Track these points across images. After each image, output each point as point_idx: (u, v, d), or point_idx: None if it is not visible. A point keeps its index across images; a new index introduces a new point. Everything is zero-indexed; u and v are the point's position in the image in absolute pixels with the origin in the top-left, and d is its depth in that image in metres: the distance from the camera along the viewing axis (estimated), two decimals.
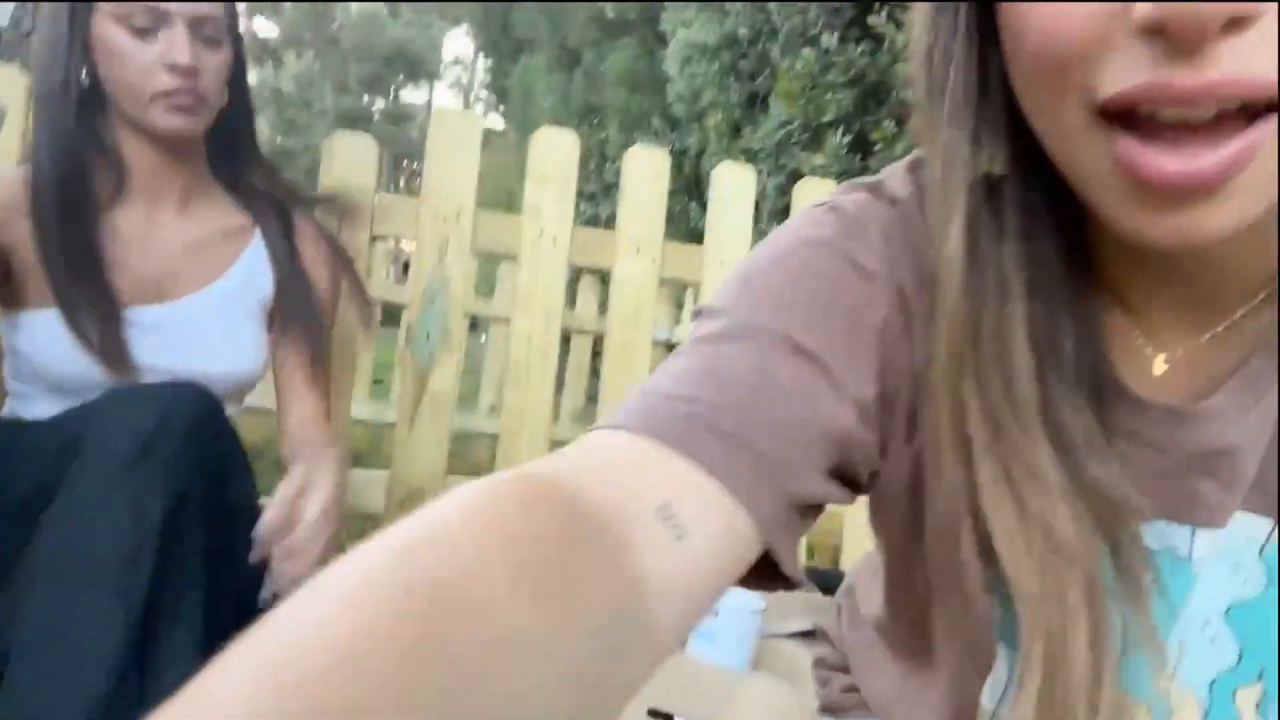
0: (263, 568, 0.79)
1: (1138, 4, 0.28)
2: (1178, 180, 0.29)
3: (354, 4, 22.72)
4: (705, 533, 0.34)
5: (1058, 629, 0.34)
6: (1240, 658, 0.38)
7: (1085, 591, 0.34)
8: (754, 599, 1.15)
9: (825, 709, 1.05)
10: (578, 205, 6.12)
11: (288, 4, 23.63)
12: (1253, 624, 0.38)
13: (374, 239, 1.43)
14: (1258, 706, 0.38)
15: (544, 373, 1.44)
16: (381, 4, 22.72)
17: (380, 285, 3.04)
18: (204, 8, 0.92)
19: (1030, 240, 0.37)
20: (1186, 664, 0.39)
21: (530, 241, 1.43)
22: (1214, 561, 0.39)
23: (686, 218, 3.90)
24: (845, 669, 0.67)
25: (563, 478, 0.32)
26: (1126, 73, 0.29)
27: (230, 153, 1.05)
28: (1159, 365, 0.39)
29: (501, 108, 9.80)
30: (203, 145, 1.02)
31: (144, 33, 0.89)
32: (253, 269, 1.02)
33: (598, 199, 5.30)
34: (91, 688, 0.58)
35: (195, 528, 0.67)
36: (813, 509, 0.39)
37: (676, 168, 4.50)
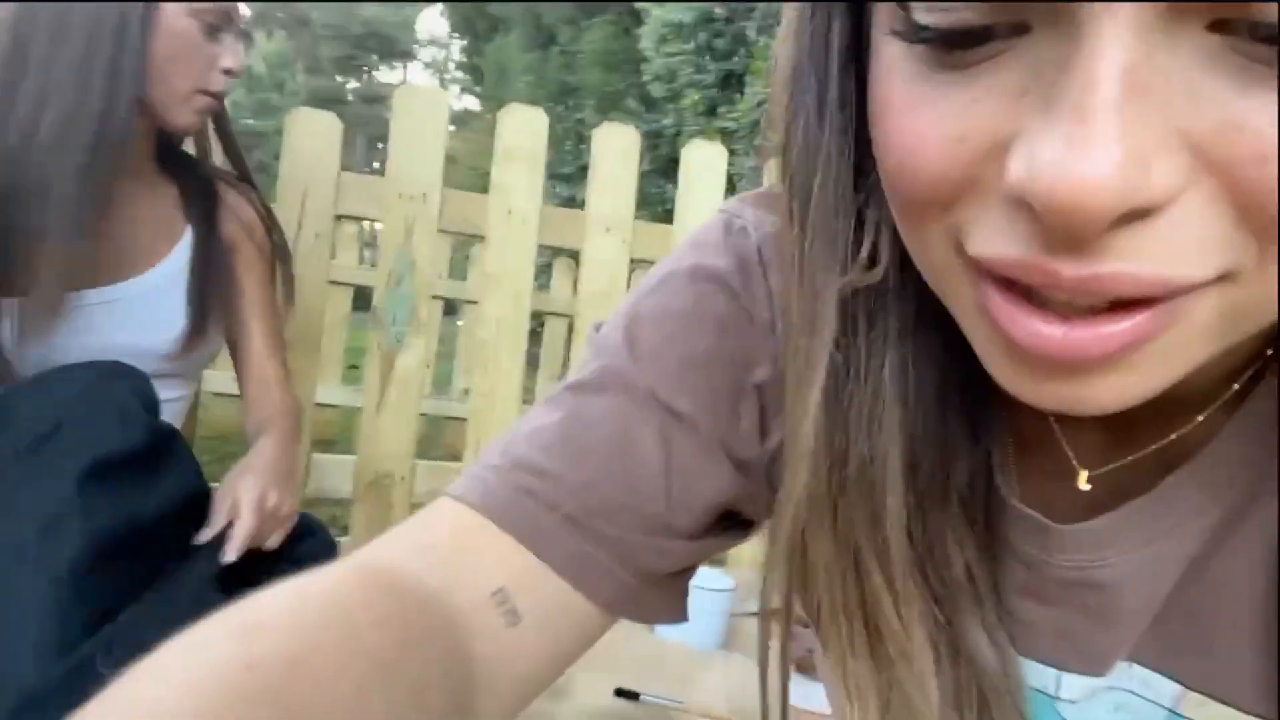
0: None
1: (1010, 163, 0.21)
2: (1058, 353, 0.23)
3: None
4: (539, 617, 0.34)
5: None
6: None
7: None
8: (722, 578, 1.15)
9: (795, 665, 1.06)
10: (554, 187, 6.06)
11: None
12: None
13: (339, 219, 1.40)
14: None
15: (513, 355, 1.42)
16: None
17: (348, 270, 3.00)
18: (253, 9, 0.93)
19: (911, 356, 0.31)
20: None
21: (498, 221, 1.41)
22: (1107, 713, 0.33)
23: (663, 199, 3.88)
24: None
25: (398, 563, 0.32)
26: (998, 238, 0.23)
27: (178, 140, 1.05)
28: (1081, 481, 0.32)
29: (478, 88, 9.68)
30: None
31: (213, 30, 0.90)
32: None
33: (574, 180, 5.27)
34: (23, 664, 0.56)
35: (122, 498, 0.65)
36: (687, 569, 0.39)
37: (653, 148, 4.48)
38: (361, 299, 2.87)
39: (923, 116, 0.23)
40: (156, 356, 0.92)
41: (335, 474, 1.42)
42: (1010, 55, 0.21)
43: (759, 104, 3.09)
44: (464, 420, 1.47)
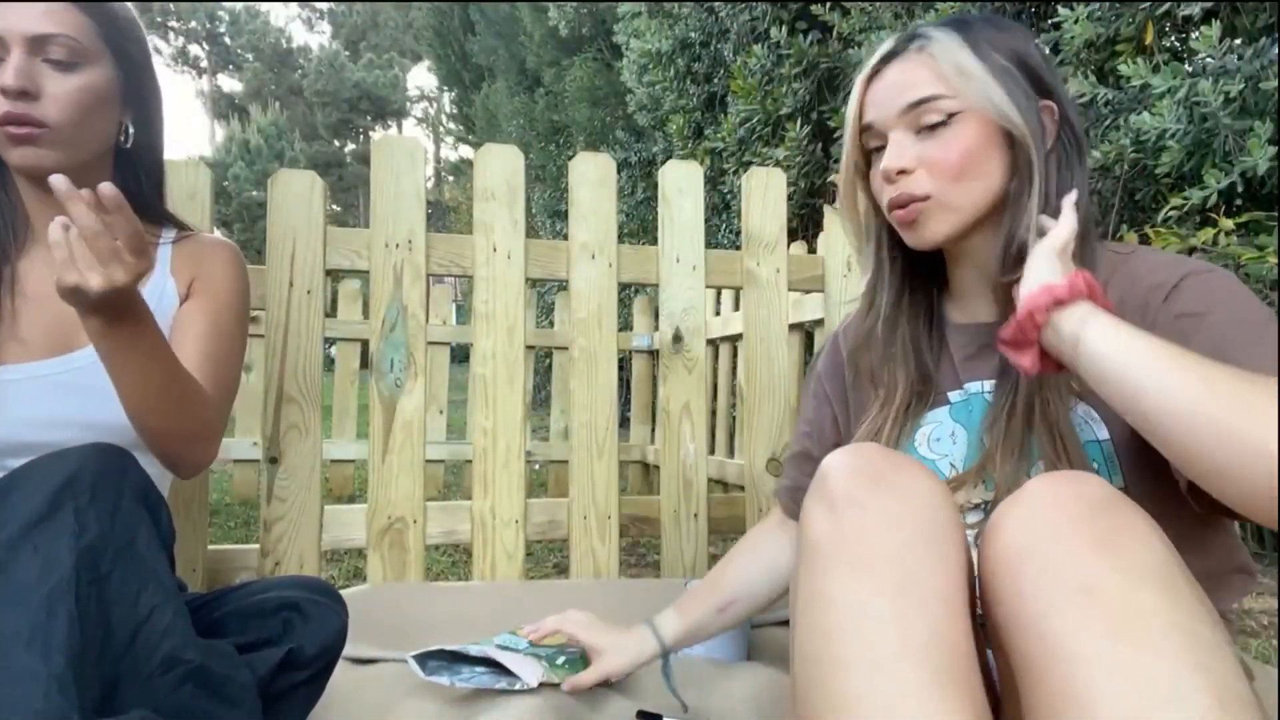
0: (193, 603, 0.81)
1: (880, 169, 0.83)
2: (902, 217, 0.82)
3: (314, 51, 22.81)
4: None
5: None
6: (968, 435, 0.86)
7: (897, 410, 0.88)
8: None
9: None
10: (554, 224, 6.06)
11: (249, 56, 23.73)
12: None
13: (329, 273, 1.42)
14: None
15: (511, 389, 1.44)
16: (341, 49, 22.85)
17: (351, 325, 3.03)
18: (42, 26, 0.84)
19: (915, 283, 0.92)
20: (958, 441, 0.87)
21: (484, 259, 1.43)
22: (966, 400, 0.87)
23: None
24: None
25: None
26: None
27: (135, 189, 0.98)
28: (976, 308, 0.90)
29: (471, 137, 9.82)
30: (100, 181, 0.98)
31: None
32: (155, 303, 0.95)
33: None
34: None
35: (115, 575, 0.65)
36: None
37: (646, 175, 4.51)
38: (369, 353, 2.91)
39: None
40: (109, 429, 0.86)
41: (350, 524, 1.43)
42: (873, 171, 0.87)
43: (742, 122, 3.11)
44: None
